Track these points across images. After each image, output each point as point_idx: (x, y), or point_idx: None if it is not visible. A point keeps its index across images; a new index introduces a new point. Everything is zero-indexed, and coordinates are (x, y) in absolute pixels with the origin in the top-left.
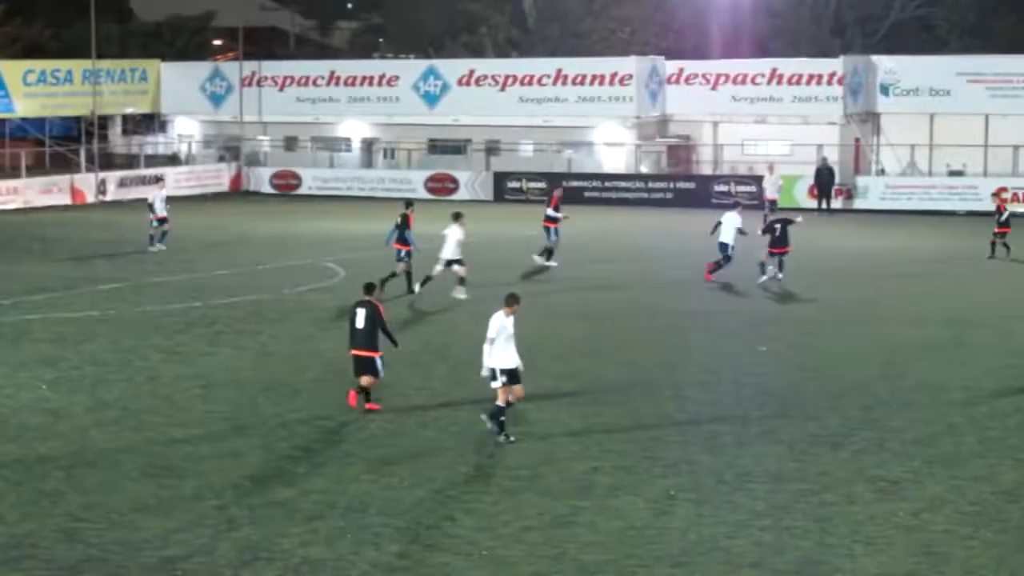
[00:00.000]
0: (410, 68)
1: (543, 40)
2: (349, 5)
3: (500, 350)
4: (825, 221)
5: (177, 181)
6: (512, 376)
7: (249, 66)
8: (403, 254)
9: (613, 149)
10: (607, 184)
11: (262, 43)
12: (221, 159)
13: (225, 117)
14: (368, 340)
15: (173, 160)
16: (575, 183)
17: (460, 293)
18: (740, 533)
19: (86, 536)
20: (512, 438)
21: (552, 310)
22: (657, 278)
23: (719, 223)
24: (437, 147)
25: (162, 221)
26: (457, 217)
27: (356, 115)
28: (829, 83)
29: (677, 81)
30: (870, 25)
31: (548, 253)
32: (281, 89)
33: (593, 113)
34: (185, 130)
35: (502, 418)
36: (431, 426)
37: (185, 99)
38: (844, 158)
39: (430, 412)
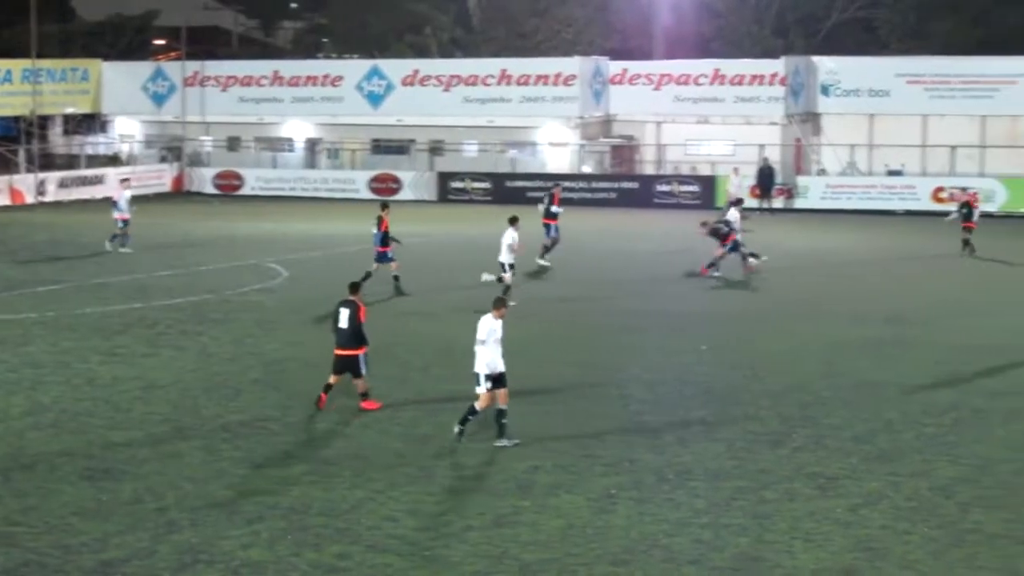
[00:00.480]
0: (354, 68)
1: (488, 40)
2: (293, 5)
3: (488, 354)
4: (766, 221)
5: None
6: (498, 381)
7: (192, 66)
8: (382, 256)
9: (557, 149)
10: (550, 184)
11: (205, 43)
12: (163, 159)
13: (167, 117)
14: (352, 339)
15: (114, 160)
16: (519, 183)
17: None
18: (680, 531)
19: (23, 540)
20: (460, 433)
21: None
22: (602, 278)
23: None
24: (381, 147)
25: (126, 222)
26: (513, 221)
27: (299, 115)
28: (771, 84)
29: (621, 81)
30: (811, 26)
31: (545, 250)
32: (224, 89)
33: (537, 113)
34: (127, 130)
35: (471, 417)
36: (373, 427)
37: (127, 99)
38: (785, 158)
39: (371, 413)
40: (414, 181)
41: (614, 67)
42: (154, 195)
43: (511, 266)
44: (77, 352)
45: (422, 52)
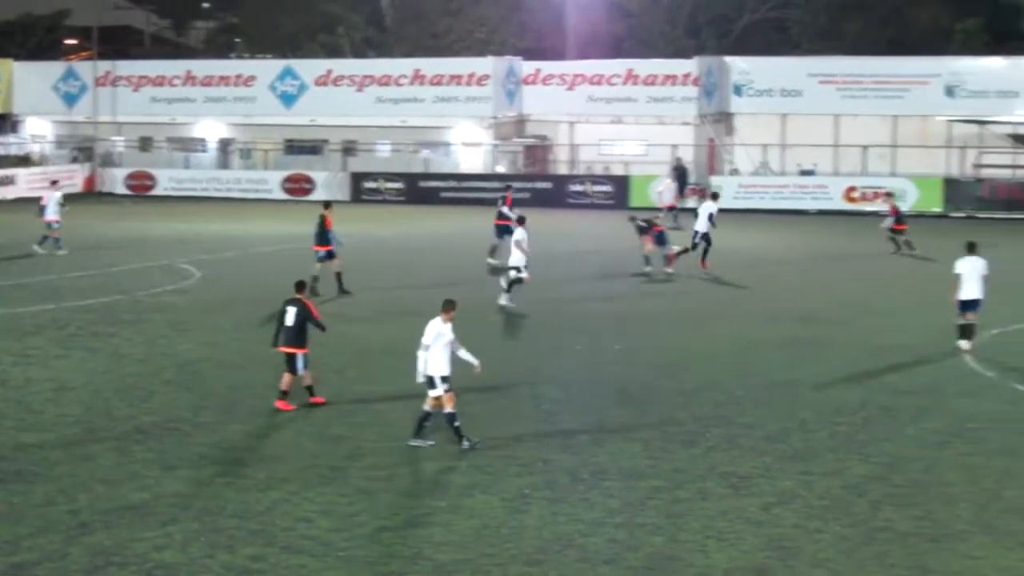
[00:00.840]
0: (267, 68)
1: (401, 40)
2: (205, 4)
3: (438, 357)
4: (680, 221)
5: (30, 182)
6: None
7: (103, 66)
8: (322, 255)
9: (470, 149)
10: (464, 184)
11: (116, 42)
12: (75, 160)
13: (79, 117)
14: (297, 337)
15: (25, 161)
16: (432, 183)
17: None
18: (595, 531)
19: None
20: (476, 440)
21: (413, 311)
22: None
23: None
24: (294, 147)
25: (51, 224)
26: (521, 221)
27: (212, 115)
28: (684, 84)
29: (534, 81)
30: (724, 26)
31: (494, 249)
32: (136, 89)
33: (450, 113)
34: (38, 130)
35: (457, 423)
36: (287, 428)
37: (38, 99)
38: (698, 158)
39: (284, 414)
40: (327, 181)
41: (527, 67)
42: (66, 196)
43: (524, 267)
44: None
45: (335, 52)
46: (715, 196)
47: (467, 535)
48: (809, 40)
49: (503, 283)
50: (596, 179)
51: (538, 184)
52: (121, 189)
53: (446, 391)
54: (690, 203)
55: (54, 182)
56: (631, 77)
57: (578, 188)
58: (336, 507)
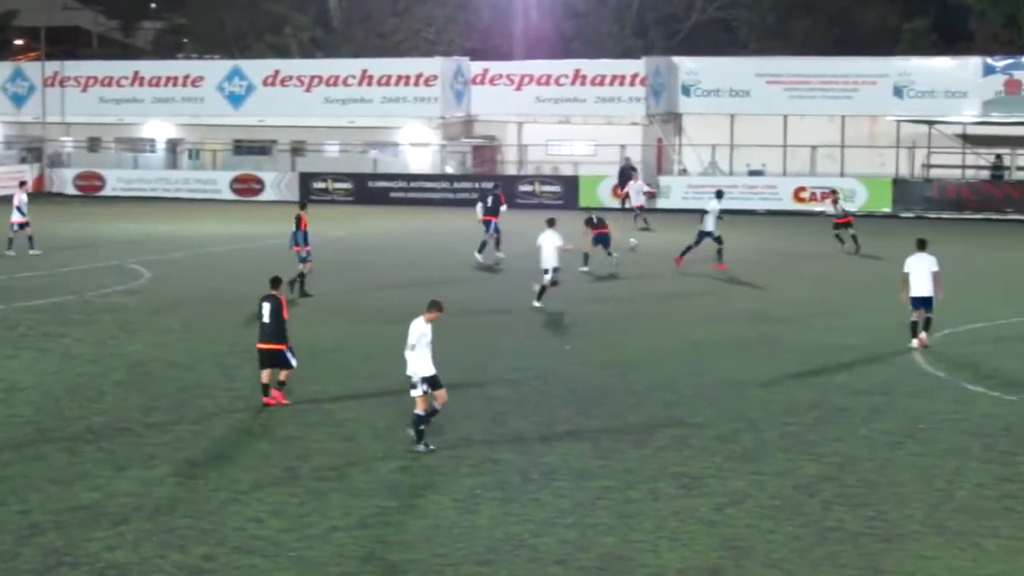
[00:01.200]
0: (215, 68)
1: (348, 40)
2: (153, 5)
3: (419, 357)
4: (628, 220)
5: None
6: (434, 383)
7: (51, 66)
8: (304, 255)
9: (418, 149)
10: (412, 184)
11: (64, 43)
12: (23, 160)
13: (27, 118)
14: (276, 333)
15: None
16: (381, 183)
17: (536, 302)
18: (546, 531)
19: None
20: (432, 447)
21: (360, 311)
22: (464, 278)
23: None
24: (242, 148)
25: (23, 225)
26: (551, 223)
27: (160, 116)
28: (632, 84)
29: (482, 82)
30: (671, 26)
31: (495, 244)
32: (84, 90)
33: (398, 113)
34: None
35: (421, 427)
36: (237, 428)
37: None
38: (647, 158)
39: (235, 414)
40: (276, 182)
41: (475, 67)
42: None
43: (555, 269)
44: None
45: (282, 52)
46: (720, 194)
47: (418, 535)
48: (757, 40)
49: (537, 287)
50: (545, 179)
51: (486, 184)
52: (70, 190)
53: (424, 392)
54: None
55: (22, 183)
56: (579, 77)
57: (527, 188)
58: (287, 507)
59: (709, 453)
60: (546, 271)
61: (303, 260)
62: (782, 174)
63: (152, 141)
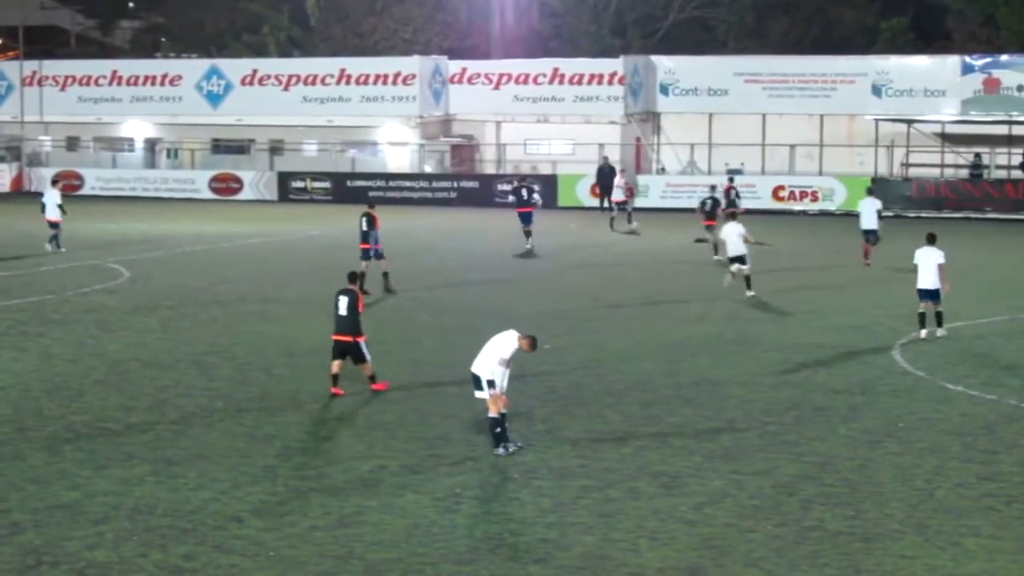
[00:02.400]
0: (193, 68)
1: (326, 39)
2: (131, 4)
3: (490, 362)
4: (606, 220)
5: None
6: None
7: (29, 65)
8: (370, 253)
9: (397, 148)
10: (391, 184)
11: (42, 42)
12: (2, 159)
13: (5, 117)
14: (352, 326)
15: None
16: (359, 183)
17: (749, 291)
18: (526, 530)
19: None
20: (520, 444)
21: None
22: (442, 277)
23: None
24: (221, 147)
25: (56, 224)
26: (733, 216)
27: (139, 115)
28: (610, 83)
29: (460, 81)
30: (649, 26)
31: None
32: (62, 89)
33: (376, 113)
34: None
35: (498, 430)
36: (216, 427)
37: None
38: (625, 157)
39: (214, 413)
40: (254, 181)
41: (453, 66)
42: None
43: (740, 259)
44: None
45: (260, 52)
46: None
47: (398, 534)
48: (735, 39)
49: (728, 279)
50: (523, 178)
51: (464, 183)
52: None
53: (491, 395)
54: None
55: (55, 181)
56: (557, 76)
57: (505, 187)
58: (267, 506)
59: (689, 452)
60: (732, 259)
61: (379, 257)
62: (760, 173)
63: (131, 140)
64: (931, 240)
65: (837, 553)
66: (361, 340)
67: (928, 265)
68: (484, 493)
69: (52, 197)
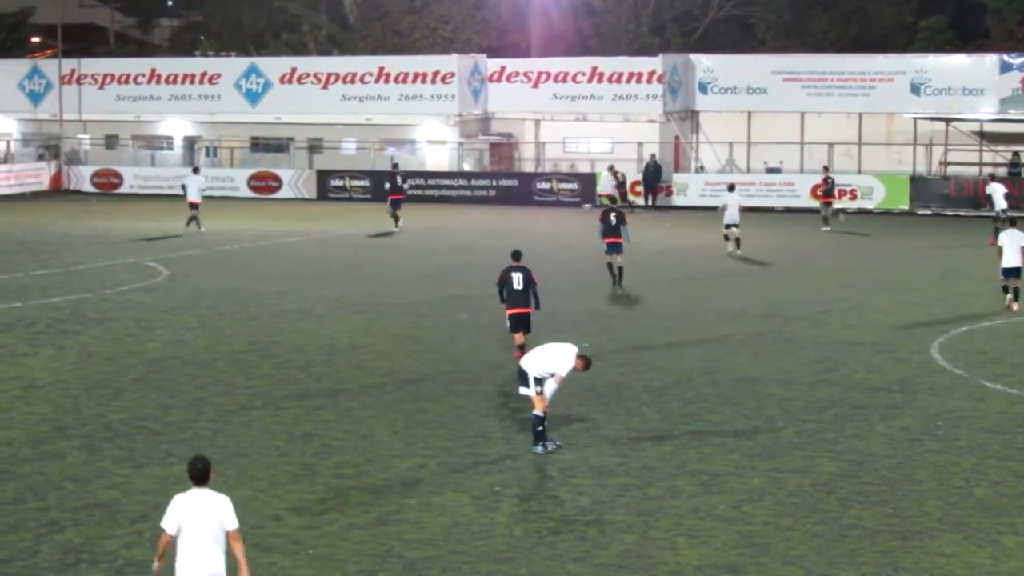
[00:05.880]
0: (231, 66)
1: (365, 38)
2: (169, 2)
3: (542, 360)
4: (649, 217)
5: None
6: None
7: (68, 64)
8: (609, 248)
9: (436, 147)
10: (430, 182)
11: (81, 40)
12: (41, 158)
13: (44, 115)
14: (528, 298)
15: None
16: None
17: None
18: (564, 528)
19: None
20: (559, 443)
21: (377, 307)
22: (480, 274)
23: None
24: (260, 145)
25: (195, 206)
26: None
27: (177, 113)
28: (649, 81)
29: (499, 79)
30: (688, 24)
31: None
32: (101, 87)
33: (415, 111)
34: (3, 128)
35: (539, 428)
36: (254, 425)
37: (3, 97)
38: (664, 155)
39: (253, 412)
40: (293, 179)
41: (492, 65)
42: (32, 193)
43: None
44: None
45: (299, 50)
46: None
47: (437, 532)
48: (774, 38)
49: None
50: (562, 176)
51: (503, 182)
52: (88, 187)
53: (538, 393)
54: (657, 200)
55: (196, 169)
56: (596, 74)
57: (544, 186)
58: (306, 505)
59: (727, 450)
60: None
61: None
62: (799, 171)
63: (169, 138)
64: (1014, 223)
65: (876, 551)
66: (531, 311)
67: (1012, 246)
68: (523, 491)
69: (196, 182)
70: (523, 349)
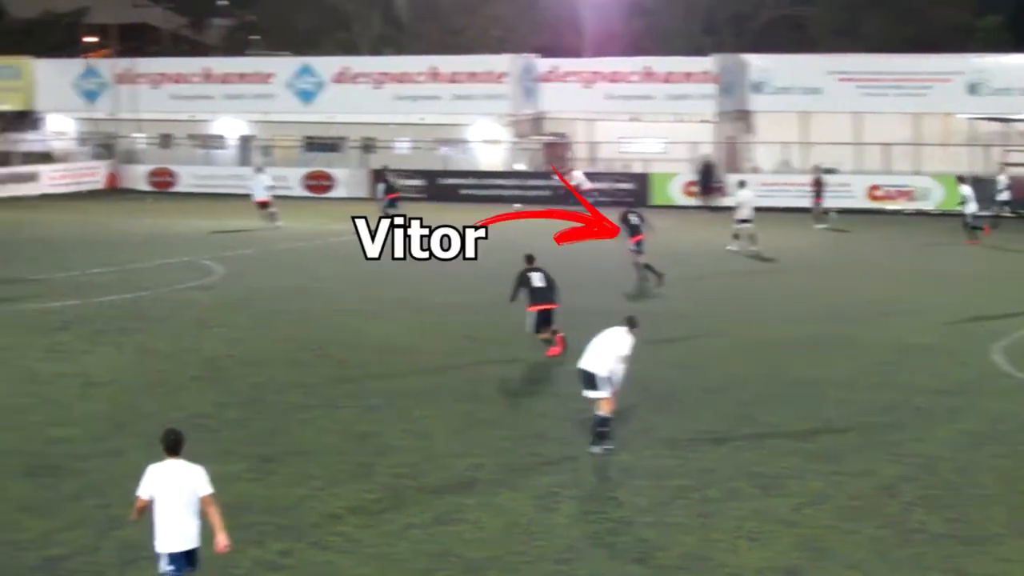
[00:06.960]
0: (285, 65)
1: (417, 37)
2: (222, 2)
3: (605, 359)
4: (704, 218)
5: (52, 179)
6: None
7: (123, 63)
8: (632, 246)
9: (489, 147)
10: (483, 181)
11: (135, 40)
12: (96, 156)
13: (100, 114)
14: (552, 294)
15: (47, 158)
16: (451, 180)
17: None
18: (624, 529)
19: None
20: (612, 445)
21: (430, 305)
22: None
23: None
24: (313, 144)
25: (265, 204)
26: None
27: (231, 112)
28: (702, 81)
29: (551, 79)
30: (741, 24)
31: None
32: (155, 86)
33: (468, 111)
34: (59, 127)
35: (601, 429)
36: (311, 424)
37: (59, 96)
38: (718, 156)
39: (309, 411)
40: (347, 178)
41: (544, 64)
42: (88, 192)
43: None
44: (16, 349)
45: (351, 50)
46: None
47: (496, 532)
48: (827, 37)
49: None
50: (616, 177)
51: (557, 181)
52: (143, 186)
53: (612, 393)
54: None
55: (259, 170)
56: (649, 75)
57: (598, 186)
58: (363, 504)
59: (786, 453)
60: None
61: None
62: (855, 172)
63: (223, 138)
64: None
65: (939, 556)
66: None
67: None
68: (582, 492)
69: (260, 181)
70: (548, 343)
